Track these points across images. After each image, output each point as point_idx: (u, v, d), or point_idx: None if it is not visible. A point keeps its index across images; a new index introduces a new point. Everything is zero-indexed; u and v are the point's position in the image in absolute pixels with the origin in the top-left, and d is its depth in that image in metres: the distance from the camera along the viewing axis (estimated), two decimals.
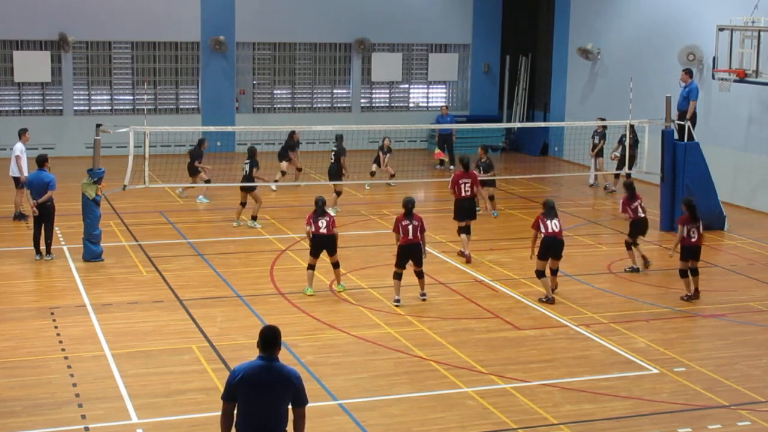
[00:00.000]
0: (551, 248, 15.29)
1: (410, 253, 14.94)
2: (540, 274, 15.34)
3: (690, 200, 15.79)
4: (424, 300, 15.17)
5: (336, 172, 21.92)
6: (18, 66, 28.55)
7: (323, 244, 15.39)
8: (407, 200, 15.10)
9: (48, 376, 11.99)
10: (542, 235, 15.24)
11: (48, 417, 10.84)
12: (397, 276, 15.04)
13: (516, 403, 11.49)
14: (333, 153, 22.13)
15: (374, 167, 24.68)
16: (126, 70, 29.88)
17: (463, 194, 17.89)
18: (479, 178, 18.97)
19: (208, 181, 22.87)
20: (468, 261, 17.63)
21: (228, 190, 23.69)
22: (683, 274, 15.61)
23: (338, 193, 21.74)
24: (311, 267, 15.58)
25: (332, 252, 15.48)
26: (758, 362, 13.13)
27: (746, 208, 23.10)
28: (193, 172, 23.01)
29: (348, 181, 22.58)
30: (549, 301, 15.28)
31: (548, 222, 15.23)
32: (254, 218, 20.23)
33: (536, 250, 15.47)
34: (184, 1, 29.77)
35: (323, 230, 15.30)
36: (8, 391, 11.54)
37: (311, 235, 15.39)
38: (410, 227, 14.88)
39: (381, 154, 24.80)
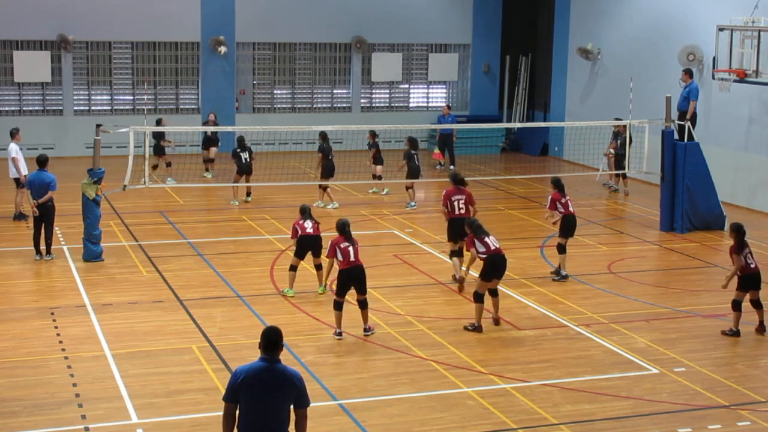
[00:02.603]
0: (499, 267, 14.01)
1: (353, 278, 13.35)
2: (480, 297, 13.93)
3: (740, 226, 14.21)
4: (367, 335, 13.55)
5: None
6: (18, 66, 28.55)
7: (309, 244, 15.30)
8: (342, 222, 13.67)
9: (48, 376, 12.00)
10: (482, 255, 13.92)
11: (48, 417, 10.84)
12: (338, 306, 13.46)
13: (516, 403, 11.49)
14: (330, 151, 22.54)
15: (379, 169, 24.44)
16: (126, 70, 29.88)
17: (456, 212, 16.23)
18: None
19: (169, 164, 24.38)
20: (461, 287, 15.84)
21: (227, 190, 23.67)
22: (737, 306, 13.92)
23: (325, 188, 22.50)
24: (293, 268, 15.47)
25: (317, 254, 15.40)
26: (758, 362, 13.14)
27: (746, 208, 23.09)
28: (161, 151, 24.47)
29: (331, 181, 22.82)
30: (476, 329, 13.92)
31: (486, 239, 13.95)
32: (248, 194, 22.87)
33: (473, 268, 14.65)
34: (184, 1, 29.78)
35: (309, 230, 15.24)
36: (8, 391, 11.54)
37: (298, 238, 15.33)
38: (351, 249, 13.39)
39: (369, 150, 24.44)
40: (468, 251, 14.36)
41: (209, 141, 25.79)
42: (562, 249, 16.70)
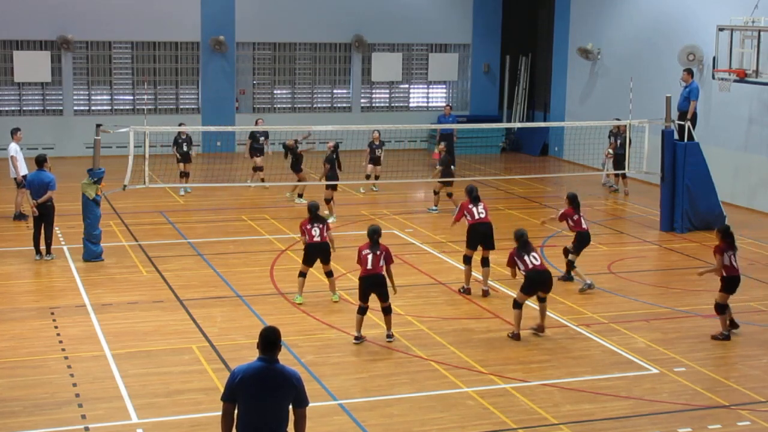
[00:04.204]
0: (539, 283, 13.63)
1: (371, 286, 13.24)
2: (518, 304, 13.72)
3: (727, 228, 14.06)
4: (390, 342, 13.37)
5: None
6: (18, 66, 28.58)
7: (317, 252, 14.87)
8: (372, 229, 13.46)
9: (48, 376, 12.00)
10: (523, 271, 13.68)
11: (48, 417, 10.84)
12: (360, 311, 13.34)
13: (516, 403, 11.49)
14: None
15: (371, 168, 24.45)
16: (126, 70, 29.90)
17: (477, 217, 15.64)
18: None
19: (187, 174, 23.54)
20: (467, 290, 15.81)
21: (226, 190, 23.69)
22: (722, 309, 13.83)
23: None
24: (302, 275, 15.08)
25: (326, 260, 14.96)
26: (758, 362, 13.13)
27: (746, 208, 23.10)
28: (186, 159, 23.71)
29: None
30: (514, 337, 13.68)
31: (526, 258, 13.61)
32: (300, 195, 22.64)
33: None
34: (184, 1, 29.79)
35: (317, 238, 14.77)
36: (8, 391, 11.54)
37: (305, 245, 14.91)
38: (370, 257, 13.19)
39: (372, 149, 24.32)
40: (508, 267, 13.95)
41: (258, 148, 24.63)
42: (572, 265, 16.16)
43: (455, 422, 10.92)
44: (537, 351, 13.29)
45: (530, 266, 13.54)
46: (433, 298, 15.59)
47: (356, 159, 24.75)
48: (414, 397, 11.63)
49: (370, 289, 13.27)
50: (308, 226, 14.91)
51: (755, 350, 13.57)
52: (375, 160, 24.35)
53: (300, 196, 22.72)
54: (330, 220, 20.32)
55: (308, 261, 15.04)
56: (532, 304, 14.01)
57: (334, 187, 21.11)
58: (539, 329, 13.88)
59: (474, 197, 15.83)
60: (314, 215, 14.97)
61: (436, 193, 22.18)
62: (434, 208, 22.12)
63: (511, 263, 13.77)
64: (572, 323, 14.40)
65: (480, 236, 15.64)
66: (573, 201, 16.11)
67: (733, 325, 14.09)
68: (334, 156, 21.39)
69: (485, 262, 15.69)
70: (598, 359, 13.06)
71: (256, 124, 24.84)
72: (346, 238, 18.88)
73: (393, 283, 13.44)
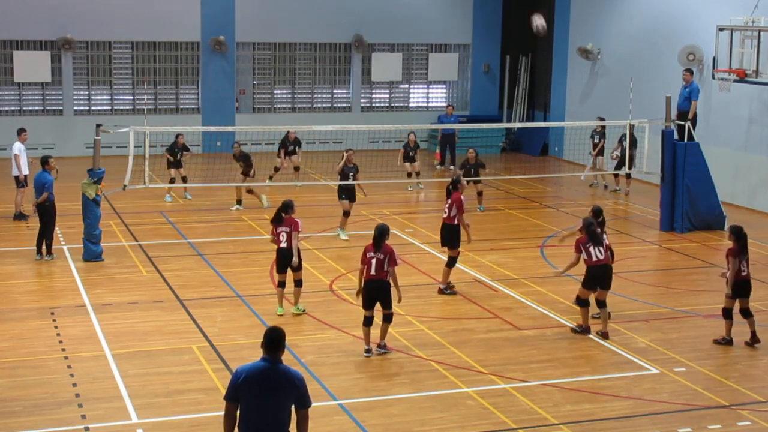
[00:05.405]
0: (599, 278, 13.66)
1: (374, 292, 12.67)
2: (583, 302, 13.86)
3: (740, 229, 13.72)
4: (380, 353, 12.91)
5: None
6: (18, 66, 28.58)
7: (285, 258, 14.23)
8: (377, 228, 12.77)
9: (48, 376, 12.00)
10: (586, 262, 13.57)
11: (48, 417, 10.85)
12: (366, 322, 12.77)
13: (516, 403, 11.49)
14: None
15: (408, 166, 24.48)
16: (126, 70, 29.90)
17: (444, 216, 15.87)
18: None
19: (172, 180, 22.89)
20: (444, 288, 15.75)
21: (226, 190, 23.67)
22: (728, 314, 13.53)
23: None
24: (281, 284, 14.44)
25: (294, 268, 14.23)
26: (758, 362, 13.13)
27: (746, 208, 23.10)
28: (177, 164, 23.12)
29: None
30: (584, 331, 13.87)
31: (592, 249, 13.52)
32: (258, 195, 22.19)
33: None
34: (184, 1, 29.79)
35: (283, 244, 14.12)
36: (8, 391, 11.54)
37: (276, 249, 14.30)
38: (373, 261, 12.56)
39: (406, 150, 24.43)
40: (575, 252, 13.71)
41: (291, 151, 24.69)
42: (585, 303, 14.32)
43: (455, 422, 10.93)
44: (537, 351, 13.29)
45: (594, 259, 13.53)
46: (433, 298, 15.60)
47: (357, 159, 24.70)
48: (414, 397, 11.63)
49: (373, 294, 12.75)
50: (277, 230, 14.24)
51: (755, 350, 13.56)
52: (410, 159, 24.43)
53: (250, 193, 22.23)
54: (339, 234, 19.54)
55: (278, 267, 14.44)
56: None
57: (349, 197, 19.62)
58: (603, 335, 13.69)
59: (447, 190, 16.13)
60: (279, 216, 14.23)
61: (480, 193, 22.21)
62: (480, 206, 22.24)
63: (577, 250, 13.66)
64: (572, 323, 14.39)
65: (443, 235, 15.99)
66: (597, 214, 14.69)
67: (754, 339, 13.62)
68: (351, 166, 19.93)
69: (451, 261, 15.85)
70: (598, 359, 13.07)
71: (288, 134, 24.81)
72: (348, 237, 18.84)
73: (398, 287, 12.80)
